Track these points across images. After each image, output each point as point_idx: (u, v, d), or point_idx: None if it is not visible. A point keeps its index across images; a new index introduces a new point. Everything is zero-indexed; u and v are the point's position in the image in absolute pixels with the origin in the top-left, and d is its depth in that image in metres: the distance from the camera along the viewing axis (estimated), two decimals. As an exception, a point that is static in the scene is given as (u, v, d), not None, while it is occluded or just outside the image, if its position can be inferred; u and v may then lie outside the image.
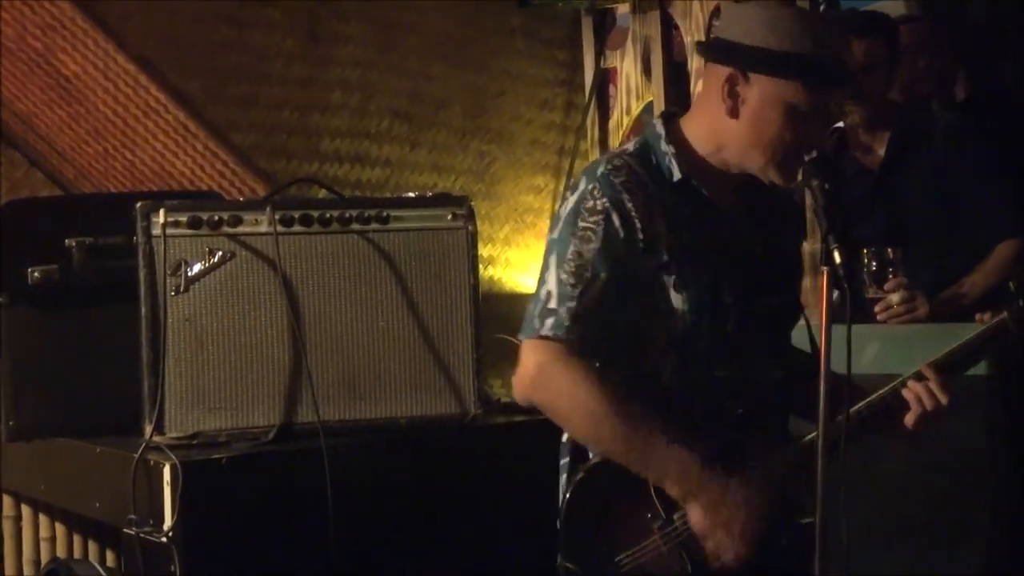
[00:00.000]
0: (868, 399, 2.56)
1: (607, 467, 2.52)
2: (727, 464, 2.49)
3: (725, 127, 2.52)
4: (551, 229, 2.57)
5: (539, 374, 2.48)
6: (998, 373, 3.33)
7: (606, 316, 2.48)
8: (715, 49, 2.56)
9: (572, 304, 2.47)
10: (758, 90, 2.48)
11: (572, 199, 2.54)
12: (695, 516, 2.47)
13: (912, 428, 2.56)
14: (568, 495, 2.55)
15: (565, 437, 2.62)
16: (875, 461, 3.19)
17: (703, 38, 4.56)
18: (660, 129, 2.58)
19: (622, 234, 2.48)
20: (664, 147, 2.56)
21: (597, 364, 2.49)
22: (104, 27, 4.11)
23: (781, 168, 2.51)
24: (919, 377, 2.56)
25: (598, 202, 2.49)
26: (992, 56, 4.71)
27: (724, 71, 2.51)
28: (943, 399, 2.54)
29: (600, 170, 2.53)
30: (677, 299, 2.50)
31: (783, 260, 2.67)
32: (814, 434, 2.41)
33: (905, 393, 2.56)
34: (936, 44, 4.51)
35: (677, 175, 2.54)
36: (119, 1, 4.16)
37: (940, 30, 4.55)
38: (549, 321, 2.47)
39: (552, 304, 2.48)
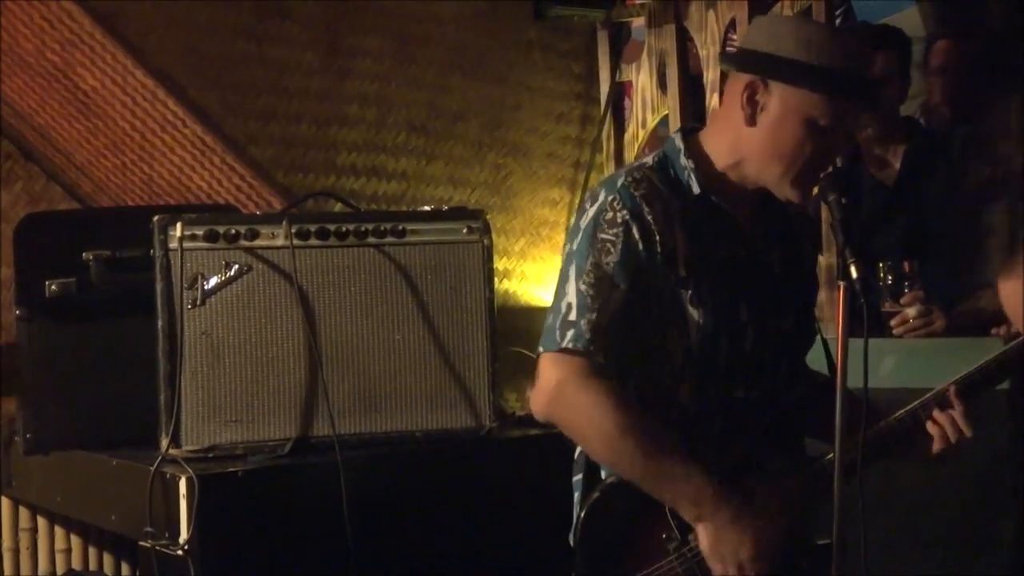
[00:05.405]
0: (887, 420, 2.54)
1: (623, 486, 2.50)
2: (744, 485, 2.47)
3: (744, 137, 2.50)
4: (569, 240, 2.55)
5: (559, 390, 2.45)
6: (1020, 387, 3.31)
7: (624, 329, 2.46)
8: (739, 58, 2.55)
9: (592, 316, 2.44)
10: (778, 99, 2.46)
11: (591, 210, 2.51)
12: (702, 539, 2.46)
13: (934, 458, 2.56)
14: (583, 514, 2.53)
15: (577, 453, 2.61)
16: (896, 473, 3.18)
17: (719, 51, 4.55)
18: (679, 144, 2.56)
19: (642, 246, 2.46)
20: (684, 161, 2.54)
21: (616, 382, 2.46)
22: (122, 42, 4.13)
23: (797, 184, 2.49)
24: (942, 402, 2.55)
25: (618, 214, 2.47)
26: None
27: (745, 79, 2.49)
28: (967, 431, 2.53)
29: (620, 182, 2.51)
30: (693, 314, 2.48)
31: (800, 281, 2.65)
32: (831, 455, 2.39)
33: (930, 427, 2.54)
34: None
35: (696, 190, 2.52)
36: (138, 16, 4.17)
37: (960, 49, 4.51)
38: (570, 333, 2.44)
39: (572, 316, 2.45)
